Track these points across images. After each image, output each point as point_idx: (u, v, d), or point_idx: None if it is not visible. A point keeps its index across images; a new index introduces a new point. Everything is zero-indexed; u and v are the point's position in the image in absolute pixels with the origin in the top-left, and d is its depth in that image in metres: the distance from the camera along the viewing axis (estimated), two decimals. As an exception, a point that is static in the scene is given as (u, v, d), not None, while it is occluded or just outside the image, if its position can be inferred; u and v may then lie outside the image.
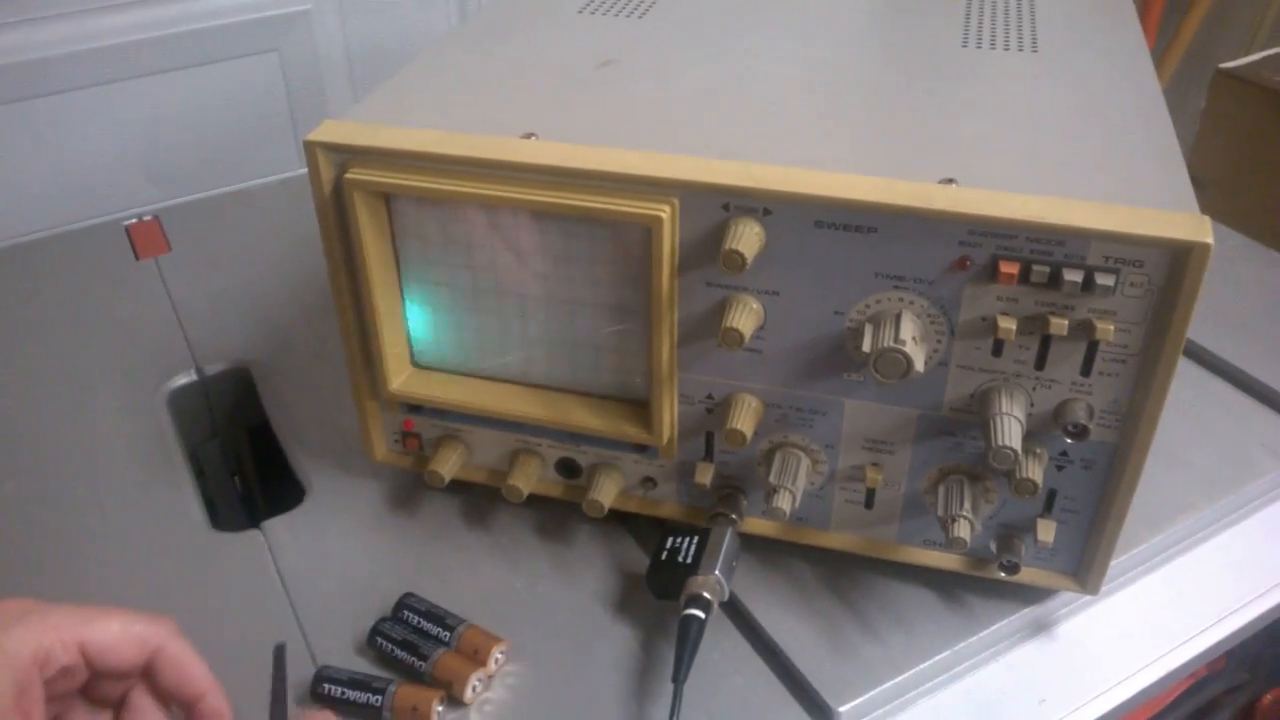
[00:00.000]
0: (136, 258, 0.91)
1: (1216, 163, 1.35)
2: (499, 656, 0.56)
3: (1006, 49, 0.65)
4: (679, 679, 0.52)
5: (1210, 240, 0.45)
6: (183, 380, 0.78)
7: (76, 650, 0.44)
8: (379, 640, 0.56)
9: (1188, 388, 0.75)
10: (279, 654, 0.53)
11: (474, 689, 0.55)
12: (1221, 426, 0.72)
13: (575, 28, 0.69)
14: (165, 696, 0.48)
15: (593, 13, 0.71)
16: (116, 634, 0.45)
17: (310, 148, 0.55)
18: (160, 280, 0.88)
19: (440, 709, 0.54)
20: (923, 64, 0.64)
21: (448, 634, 0.57)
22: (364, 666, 0.56)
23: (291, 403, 0.75)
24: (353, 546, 0.64)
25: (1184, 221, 0.46)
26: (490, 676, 0.56)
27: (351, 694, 0.54)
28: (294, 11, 1.15)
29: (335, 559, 0.63)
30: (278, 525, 0.65)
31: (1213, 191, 1.35)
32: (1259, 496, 0.69)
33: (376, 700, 0.53)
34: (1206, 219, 0.46)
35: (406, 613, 0.58)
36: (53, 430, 0.73)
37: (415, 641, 0.56)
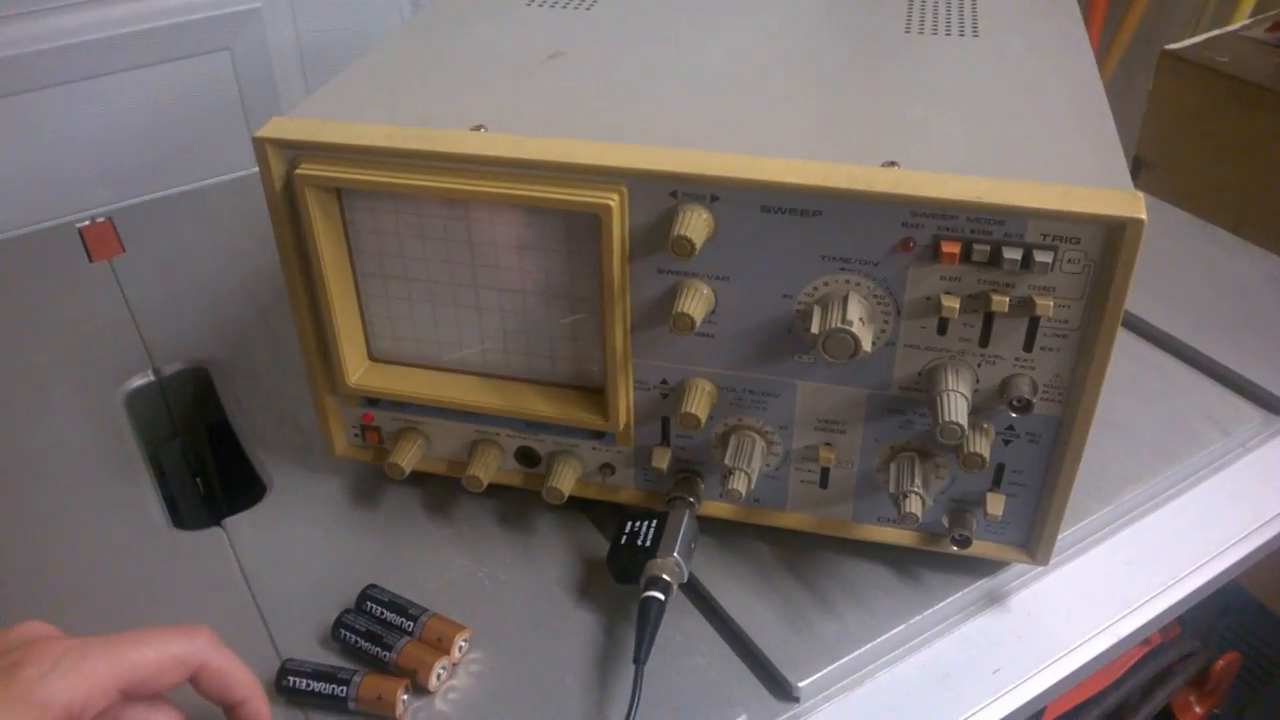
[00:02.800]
0: (90, 260, 0.91)
1: (1163, 143, 1.37)
2: (462, 644, 0.57)
3: (948, 34, 0.66)
4: (640, 660, 0.53)
5: (1143, 216, 0.46)
6: (140, 381, 0.78)
7: (114, 693, 0.44)
8: (342, 632, 0.57)
9: (1133, 362, 0.77)
10: None
11: (438, 676, 0.55)
12: (1166, 399, 0.74)
13: (524, 20, 0.69)
14: (208, 698, 0.48)
15: (541, 5, 0.72)
16: (154, 662, 0.45)
17: (260, 144, 0.55)
18: (115, 282, 0.88)
19: (405, 697, 0.54)
20: (866, 50, 0.65)
21: (411, 623, 0.57)
22: (328, 659, 0.57)
23: (250, 400, 0.75)
24: (315, 541, 0.64)
25: (1118, 198, 0.47)
26: (454, 664, 0.56)
27: (316, 685, 0.54)
28: (245, 9, 1.14)
29: (297, 554, 0.63)
30: (239, 522, 0.66)
31: (1160, 171, 1.37)
32: (1204, 466, 0.70)
33: (341, 691, 0.54)
34: (1140, 195, 0.48)
35: (369, 604, 0.58)
36: (9, 434, 0.73)
37: (379, 632, 0.56)
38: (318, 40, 1.21)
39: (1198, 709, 0.93)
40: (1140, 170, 1.38)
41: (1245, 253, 0.89)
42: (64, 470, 0.70)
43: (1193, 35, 1.39)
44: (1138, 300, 0.81)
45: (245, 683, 0.48)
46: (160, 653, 0.45)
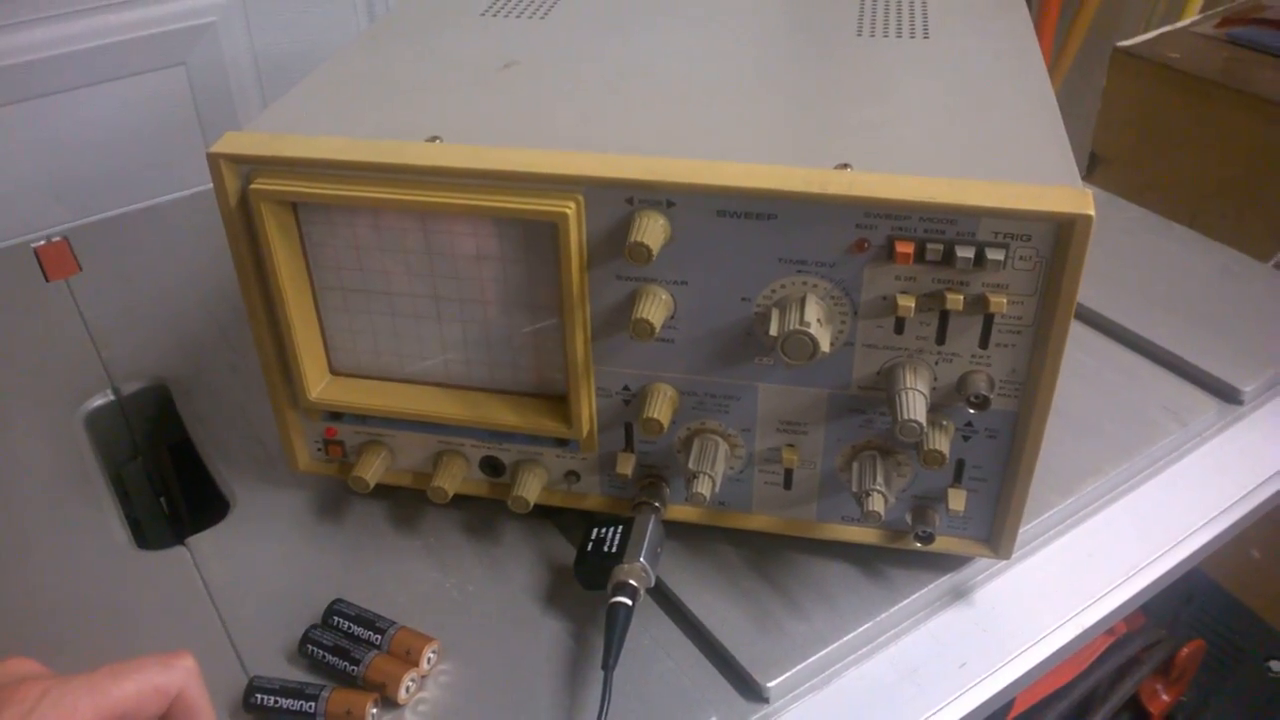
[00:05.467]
0: (47, 279, 0.90)
1: (1118, 139, 1.39)
2: (431, 656, 0.57)
3: (899, 37, 0.66)
4: (609, 666, 0.53)
5: (1092, 212, 0.47)
6: (99, 401, 0.77)
7: None
8: (310, 648, 0.57)
9: (1090, 355, 0.78)
10: None
11: (408, 689, 0.55)
12: (1124, 391, 0.75)
13: (478, 31, 0.70)
14: None
15: (495, 15, 0.72)
16: (134, 696, 0.44)
17: (214, 160, 0.54)
18: (72, 301, 0.87)
19: (374, 711, 0.54)
20: (819, 54, 0.66)
21: (379, 637, 0.57)
22: (296, 675, 0.56)
23: (212, 418, 0.75)
24: (280, 557, 0.64)
25: (1067, 195, 0.48)
26: (424, 676, 0.56)
27: (284, 702, 0.54)
28: (200, 24, 1.14)
29: (263, 570, 0.63)
30: (202, 540, 0.65)
31: (1115, 166, 1.39)
32: (1162, 457, 0.71)
33: (310, 707, 0.54)
34: (1089, 192, 0.48)
35: (336, 618, 0.58)
36: (-33, 459, 0.72)
37: (346, 646, 0.56)
38: (274, 53, 1.20)
39: (1165, 696, 0.94)
40: (1096, 166, 1.40)
41: (1199, 245, 0.90)
42: (24, 493, 0.69)
43: (1145, 32, 1.41)
44: (1094, 294, 0.82)
45: None
46: (141, 685, 0.45)
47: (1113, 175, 1.39)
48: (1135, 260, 0.88)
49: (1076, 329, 0.80)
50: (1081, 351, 0.78)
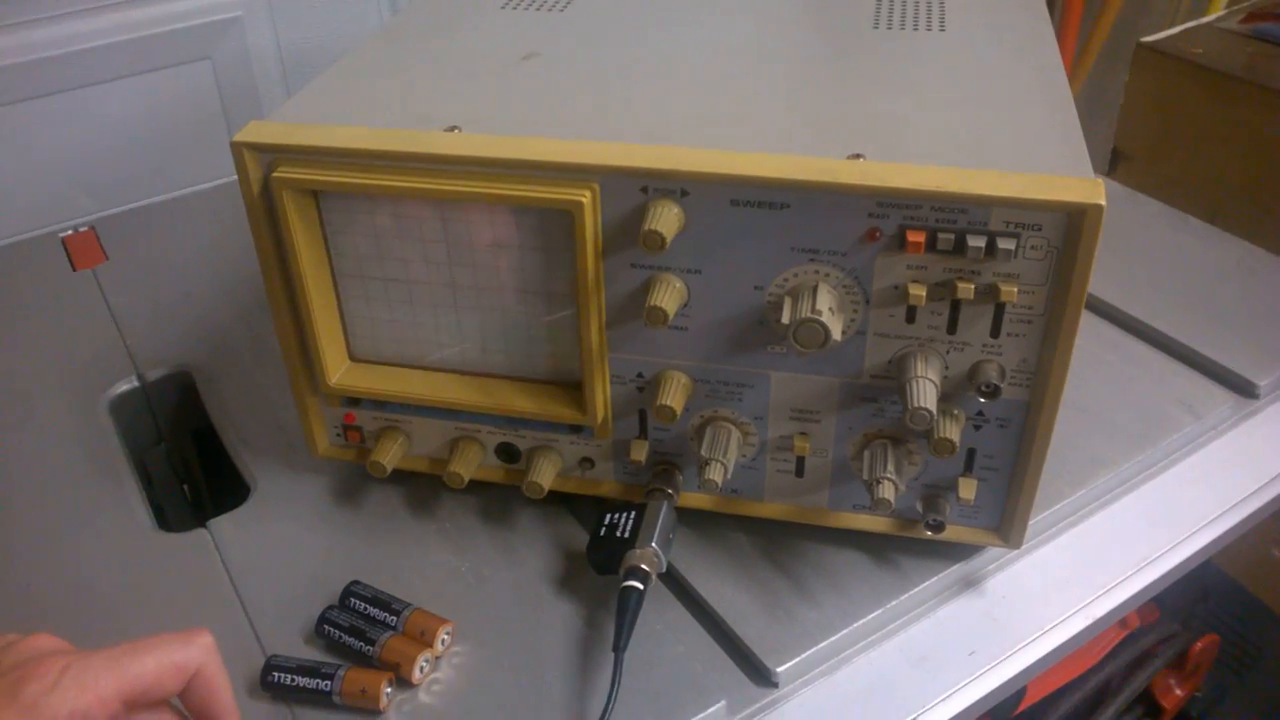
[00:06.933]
0: (74, 269, 0.91)
1: (1140, 134, 1.38)
2: (445, 637, 0.58)
3: (915, 29, 0.67)
4: (620, 649, 0.54)
5: (1102, 201, 0.47)
6: (124, 387, 0.79)
7: (115, 703, 0.44)
8: (327, 628, 0.58)
9: (1106, 348, 0.78)
10: None
11: (422, 669, 0.56)
12: (1139, 384, 0.75)
13: (498, 23, 0.70)
14: (187, 706, 0.48)
15: (515, 8, 0.72)
16: (154, 672, 0.45)
17: (237, 149, 0.56)
18: (98, 290, 0.88)
19: (389, 690, 0.55)
20: (835, 46, 0.66)
21: (394, 618, 0.58)
22: (313, 655, 0.57)
23: (234, 404, 0.76)
24: (299, 540, 0.65)
25: (1078, 185, 0.48)
26: (437, 657, 0.57)
27: (301, 680, 0.55)
28: (225, 18, 1.15)
29: (282, 553, 0.64)
30: (224, 523, 0.66)
31: (1138, 162, 1.38)
32: (1176, 450, 0.71)
33: (326, 685, 0.55)
34: (1100, 182, 0.48)
35: (353, 600, 0.59)
36: (-5, 442, 0.74)
37: (362, 627, 0.57)
38: (298, 47, 1.22)
39: (1178, 691, 0.94)
40: (1119, 162, 1.40)
41: (1217, 240, 0.90)
42: (50, 477, 0.71)
43: (1169, 28, 1.40)
44: (1111, 287, 0.82)
45: (229, 706, 0.48)
46: (160, 661, 0.46)
47: (1135, 171, 1.38)
48: (1152, 254, 0.88)
49: (1092, 322, 0.80)
50: (1097, 344, 0.78)
